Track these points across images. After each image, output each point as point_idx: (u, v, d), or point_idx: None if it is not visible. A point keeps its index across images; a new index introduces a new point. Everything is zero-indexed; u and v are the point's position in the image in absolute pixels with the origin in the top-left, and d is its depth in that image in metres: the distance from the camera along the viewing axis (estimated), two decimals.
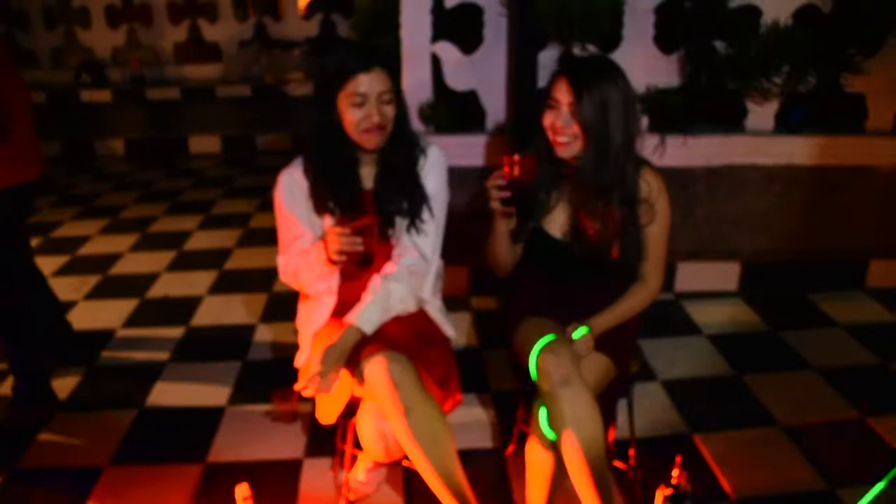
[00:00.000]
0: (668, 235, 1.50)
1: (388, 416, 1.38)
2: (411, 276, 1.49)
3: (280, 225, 1.53)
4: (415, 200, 1.49)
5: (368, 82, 1.37)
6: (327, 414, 1.54)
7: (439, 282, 1.60)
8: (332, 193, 1.45)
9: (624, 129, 1.34)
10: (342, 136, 1.43)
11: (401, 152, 1.48)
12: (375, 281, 1.48)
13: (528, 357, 1.41)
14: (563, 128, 1.36)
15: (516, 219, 1.51)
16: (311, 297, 1.57)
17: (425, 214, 1.50)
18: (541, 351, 1.36)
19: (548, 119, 1.39)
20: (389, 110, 1.41)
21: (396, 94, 1.43)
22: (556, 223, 1.50)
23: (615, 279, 1.55)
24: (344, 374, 1.44)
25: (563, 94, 1.35)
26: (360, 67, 1.36)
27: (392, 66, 1.42)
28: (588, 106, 1.31)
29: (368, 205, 1.50)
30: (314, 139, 1.46)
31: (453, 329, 1.63)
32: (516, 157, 1.34)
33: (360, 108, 1.38)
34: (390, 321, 1.49)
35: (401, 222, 1.51)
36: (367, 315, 1.44)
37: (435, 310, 1.60)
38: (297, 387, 1.43)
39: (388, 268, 1.50)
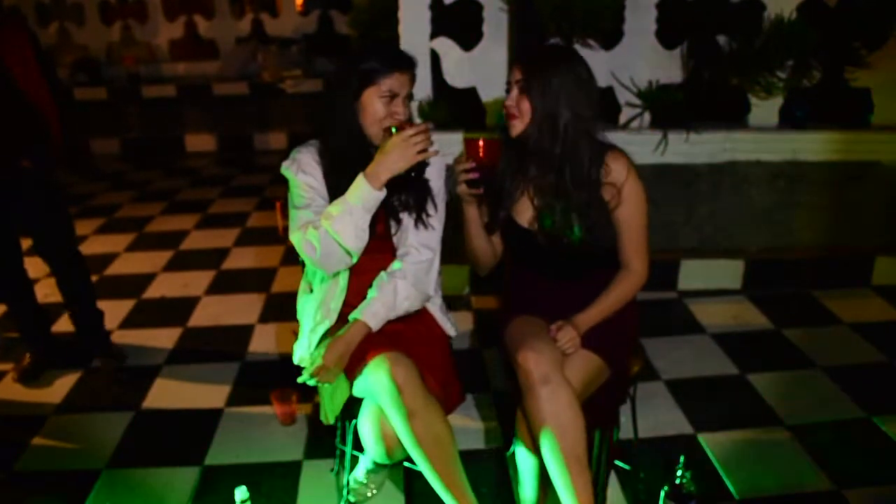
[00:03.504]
0: (644, 218, 1.48)
1: (390, 418, 1.37)
2: (416, 272, 1.49)
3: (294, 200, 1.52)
4: (420, 196, 1.51)
5: (402, 82, 1.42)
6: (328, 413, 1.52)
7: (440, 278, 1.59)
8: (344, 181, 1.43)
9: (573, 107, 1.37)
10: (358, 128, 1.45)
11: None
12: (381, 278, 1.48)
13: (512, 355, 1.40)
14: (510, 105, 1.42)
15: (487, 209, 1.52)
16: (318, 289, 1.55)
17: (430, 209, 1.52)
18: (522, 348, 1.35)
19: (504, 102, 1.45)
20: (407, 111, 1.46)
21: (412, 96, 1.48)
22: (524, 212, 1.51)
23: (599, 269, 1.53)
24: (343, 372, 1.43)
25: (513, 76, 1.42)
26: (399, 68, 1.41)
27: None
28: (535, 84, 1.37)
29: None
30: (334, 130, 1.47)
31: (454, 328, 1.62)
32: (480, 140, 1.37)
33: (387, 105, 1.42)
34: (393, 320, 1.48)
35: (406, 220, 1.50)
36: (374, 310, 1.44)
37: (436, 307, 1.59)
38: (300, 379, 1.42)
39: (394, 265, 1.50)
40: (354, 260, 1.47)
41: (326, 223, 1.39)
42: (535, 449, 1.41)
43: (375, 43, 1.49)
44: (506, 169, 1.47)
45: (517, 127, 1.41)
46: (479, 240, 1.52)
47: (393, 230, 1.51)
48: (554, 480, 1.35)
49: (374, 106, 1.41)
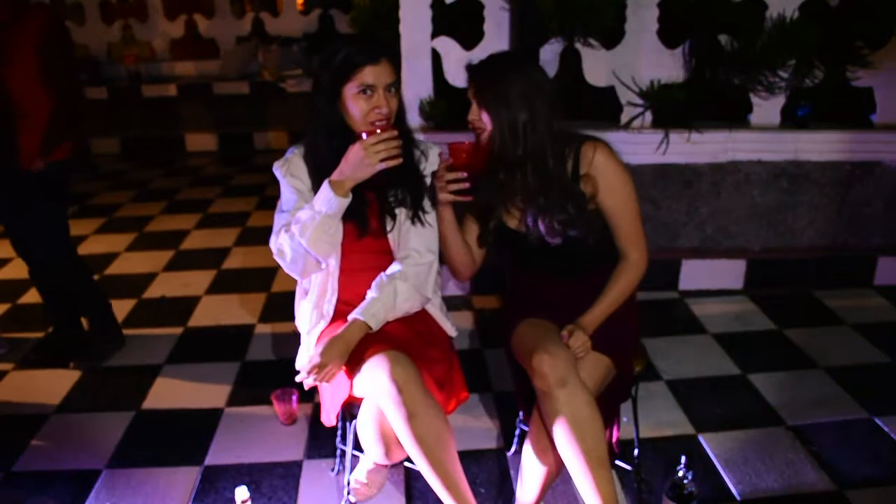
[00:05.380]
0: (633, 205, 1.49)
1: (390, 418, 1.36)
2: (416, 275, 1.48)
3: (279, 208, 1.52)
4: (416, 191, 1.49)
5: (376, 74, 1.38)
6: (329, 413, 1.51)
7: (439, 279, 1.58)
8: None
9: (528, 107, 1.40)
10: (344, 127, 1.42)
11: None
12: (381, 279, 1.47)
13: (526, 359, 1.40)
14: (473, 119, 1.46)
15: (478, 222, 1.55)
16: (311, 292, 1.54)
17: (427, 205, 1.50)
18: (536, 352, 1.35)
19: (468, 117, 1.48)
20: (394, 102, 1.43)
21: (398, 86, 1.44)
22: (513, 216, 1.53)
23: (601, 264, 1.53)
24: (343, 372, 1.42)
25: (470, 94, 1.46)
26: (369, 59, 1.37)
27: (397, 59, 1.44)
28: (487, 95, 1.41)
29: (370, 196, 1.48)
30: (316, 131, 1.45)
31: (454, 328, 1.62)
32: (465, 145, 1.39)
33: (367, 99, 1.39)
34: (392, 321, 1.47)
35: (402, 218, 1.49)
36: (373, 311, 1.43)
37: (435, 308, 1.59)
38: (298, 378, 1.41)
39: (393, 267, 1.49)
40: (324, 266, 1.46)
41: (295, 228, 1.39)
42: (545, 452, 1.41)
43: (345, 38, 1.47)
44: (489, 179, 1.48)
45: (485, 138, 1.44)
46: (456, 244, 1.53)
47: (388, 227, 1.50)
48: (576, 481, 1.36)
49: (354, 102, 1.39)
